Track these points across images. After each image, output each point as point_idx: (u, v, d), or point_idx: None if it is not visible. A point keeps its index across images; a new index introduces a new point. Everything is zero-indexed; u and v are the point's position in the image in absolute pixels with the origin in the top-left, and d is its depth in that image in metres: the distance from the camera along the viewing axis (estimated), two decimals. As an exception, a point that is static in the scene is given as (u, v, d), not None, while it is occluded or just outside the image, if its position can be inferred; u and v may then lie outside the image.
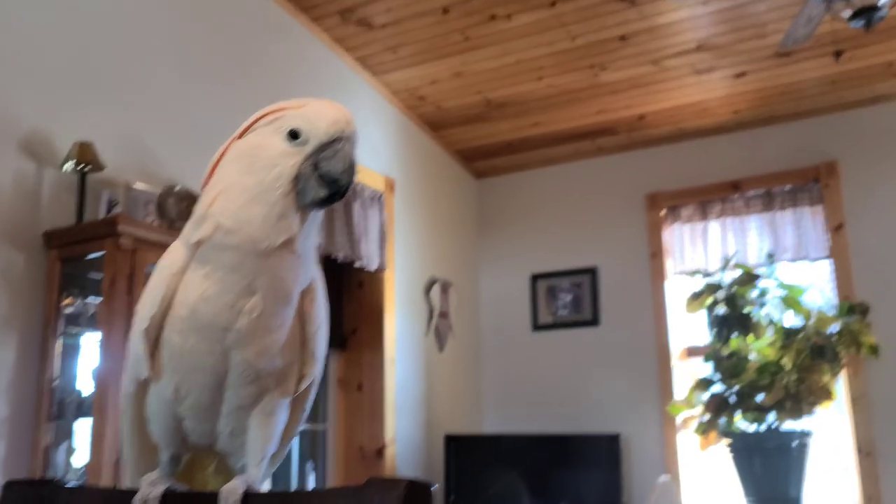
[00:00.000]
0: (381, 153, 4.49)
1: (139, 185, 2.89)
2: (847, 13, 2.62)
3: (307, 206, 0.95)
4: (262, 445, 0.95)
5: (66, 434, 2.73)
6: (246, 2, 3.70)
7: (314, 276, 1.01)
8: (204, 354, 0.94)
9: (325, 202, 0.96)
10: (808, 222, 4.38)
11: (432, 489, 0.64)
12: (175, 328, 0.97)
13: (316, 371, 1.02)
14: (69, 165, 2.71)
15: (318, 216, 0.98)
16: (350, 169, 0.97)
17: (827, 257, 4.31)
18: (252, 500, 0.82)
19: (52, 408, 2.67)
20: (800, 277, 4.26)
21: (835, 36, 3.63)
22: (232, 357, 0.94)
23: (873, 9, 2.54)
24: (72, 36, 2.92)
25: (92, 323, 2.71)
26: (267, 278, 0.92)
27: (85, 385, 2.74)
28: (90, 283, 2.76)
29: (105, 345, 2.56)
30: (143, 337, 0.99)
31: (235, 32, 3.63)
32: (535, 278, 5.12)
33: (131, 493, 0.90)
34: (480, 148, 5.15)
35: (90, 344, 2.78)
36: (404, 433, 4.30)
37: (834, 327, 3.87)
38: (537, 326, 5.06)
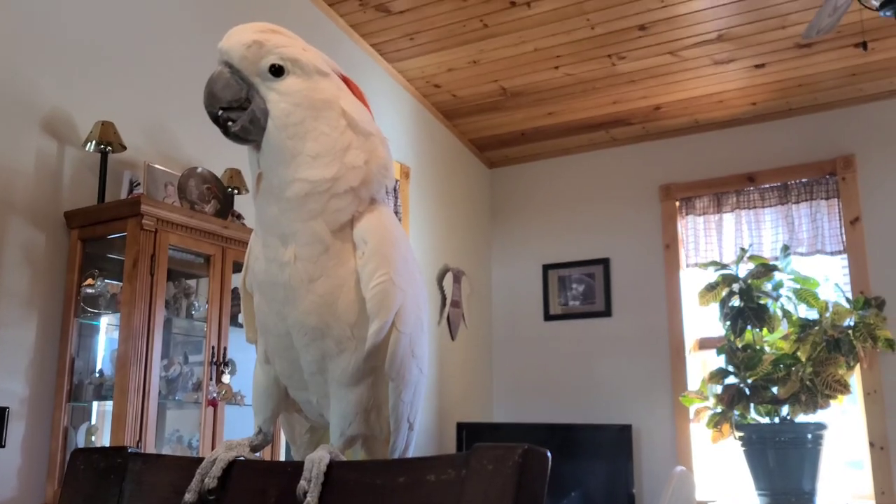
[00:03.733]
0: (397, 140, 4.47)
1: (159, 166, 2.87)
2: (876, 2, 2.60)
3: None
4: (341, 417, 0.94)
5: (86, 415, 2.72)
6: (265, -15, 3.69)
7: (366, 228, 0.92)
8: (268, 315, 0.96)
9: (230, 137, 0.93)
10: (823, 216, 4.36)
11: (549, 456, 0.60)
12: (254, 290, 1.00)
13: (376, 336, 0.92)
14: (91, 145, 2.69)
15: (284, 146, 0.90)
16: (206, 94, 0.91)
17: (842, 251, 4.29)
18: (339, 469, 0.78)
19: (72, 389, 2.66)
20: (815, 271, 4.24)
21: (855, 28, 3.61)
22: (288, 316, 0.94)
23: (904, -2, 2.52)
24: (94, 17, 2.90)
25: (112, 304, 2.70)
26: (294, 226, 0.90)
27: (105, 366, 2.74)
28: (111, 263, 2.75)
29: (126, 326, 2.55)
30: (242, 300, 1.04)
31: (255, 15, 3.60)
32: (547, 268, 5.11)
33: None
34: (494, 137, 5.13)
35: (111, 325, 2.77)
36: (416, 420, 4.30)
37: (849, 321, 3.86)
38: (549, 316, 5.05)
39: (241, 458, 0.88)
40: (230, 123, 0.91)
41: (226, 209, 2.94)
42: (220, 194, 2.94)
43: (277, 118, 0.90)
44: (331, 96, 0.92)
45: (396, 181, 4.30)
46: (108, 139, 2.68)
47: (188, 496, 0.84)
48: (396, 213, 4.24)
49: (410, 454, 1.01)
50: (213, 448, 2.73)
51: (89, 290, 2.68)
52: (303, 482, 0.79)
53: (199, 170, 2.87)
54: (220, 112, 0.91)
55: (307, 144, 0.89)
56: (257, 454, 0.97)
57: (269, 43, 0.91)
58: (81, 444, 2.66)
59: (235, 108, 0.91)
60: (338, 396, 0.94)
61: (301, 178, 0.89)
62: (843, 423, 4.13)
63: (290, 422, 1.10)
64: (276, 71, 0.90)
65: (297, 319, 0.93)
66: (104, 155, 2.73)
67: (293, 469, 0.79)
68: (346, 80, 0.98)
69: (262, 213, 0.94)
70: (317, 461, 0.80)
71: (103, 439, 2.68)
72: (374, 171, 0.93)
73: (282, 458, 3.37)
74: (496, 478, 0.59)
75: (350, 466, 0.79)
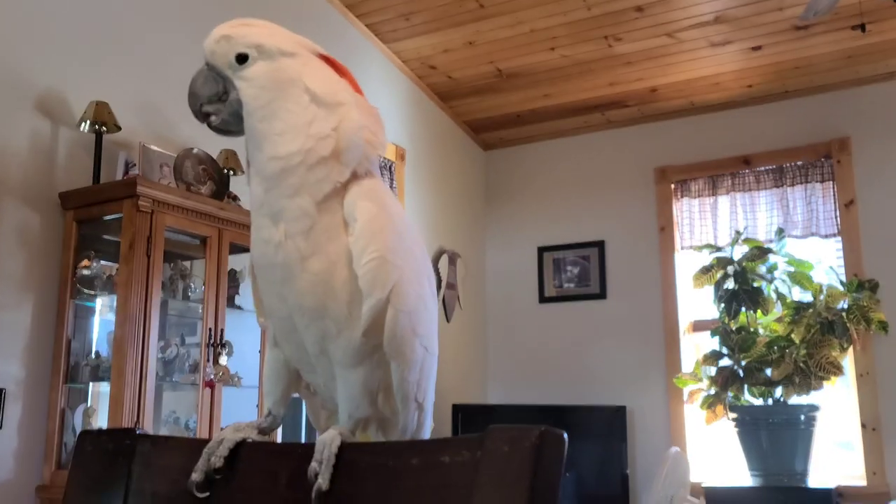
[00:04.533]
0: (392, 122, 4.45)
1: (154, 147, 2.85)
2: (875, -16, 2.59)
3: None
4: (348, 399, 0.93)
5: (83, 397, 2.72)
6: (259, -36, 3.64)
7: (354, 202, 0.92)
8: (270, 297, 0.97)
9: (215, 130, 0.98)
10: (818, 198, 4.37)
11: (565, 437, 0.60)
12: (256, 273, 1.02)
13: (370, 314, 0.91)
14: (85, 125, 2.67)
15: (255, 130, 0.94)
16: (189, 94, 0.96)
17: (837, 234, 4.31)
18: (351, 450, 0.78)
19: (68, 370, 2.66)
20: (809, 253, 4.26)
21: (852, 10, 3.60)
22: (287, 298, 0.94)
23: (903, -20, 2.51)
24: (87, -6, 2.86)
25: (109, 286, 2.69)
26: (280, 203, 0.91)
27: (101, 348, 2.73)
28: (107, 244, 2.73)
29: (122, 308, 2.54)
30: (251, 283, 1.05)
31: (249, -5, 3.57)
32: (542, 251, 5.11)
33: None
34: (489, 119, 5.11)
35: (106, 307, 2.76)
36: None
37: (843, 303, 3.88)
38: (544, 299, 5.06)
39: (250, 440, 0.88)
40: (212, 118, 0.95)
41: (222, 190, 2.93)
42: (216, 175, 2.93)
43: (247, 104, 0.93)
44: (294, 74, 0.93)
45: (392, 162, 4.28)
46: (102, 119, 2.66)
47: (195, 475, 0.84)
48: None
49: (425, 436, 1.01)
50: (210, 429, 2.74)
51: (85, 272, 2.67)
52: (314, 464, 0.79)
53: (195, 151, 2.85)
54: (202, 108, 0.95)
55: (274, 124, 0.91)
56: (267, 437, 0.97)
57: (237, 35, 0.94)
58: (79, 426, 2.65)
59: (216, 103, 0.95)
60: (342, 378, 0.94)
61: (273, 157, 0.91)
62: (835, 405, 4.16)
63: (313, 408, 1.09)
64: (242, 59, 0.93)
65: (294, 300, 0.93)
66: (99, 135, 2.71)
67: (304, 451, 0.79)
68: (325, 58, 0.98)
69: (252, 195, 0.96)
70: (328, 443, 0.80)
71: (100, 421, 2.67)
72: (346, 138, 0.93)
73: (279, 439, 3.37)
74: (512, 460, 0.59)
75: (362, 448, 0.79)
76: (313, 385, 1.04)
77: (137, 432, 0.88)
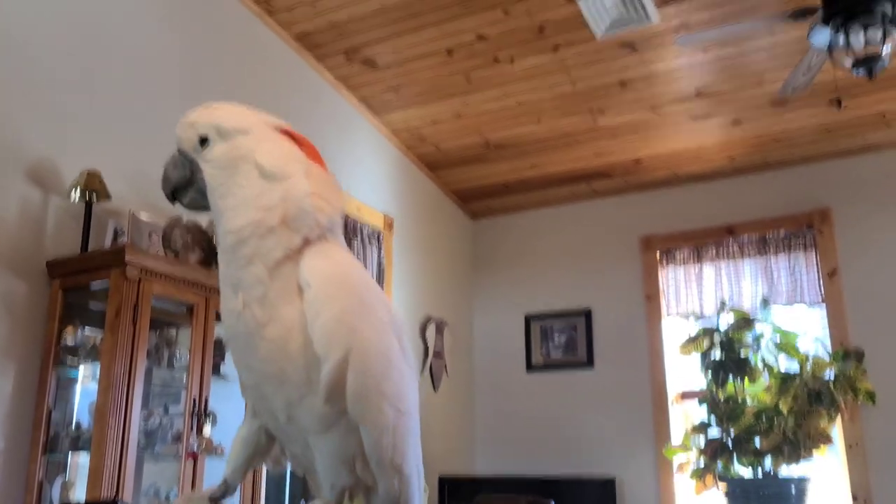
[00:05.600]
0: (380, 191, 4.50)
1: (143, 216, 2.86)
2: (849, 62, 2.68)
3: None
4: (323, 468, 0.92)
5: (62, 467, 2.66)
6: (254, 38, 3.73)
7: (308, 268, 0.93)
8: (240, 365, 0.97)
9: (187, 208, 1.05)
10: (802, 267, 4.42)
11: None
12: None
13: (328, 378, 0.90)
14: (76, 194, 2.68)
15: (216, 207, 0.99)
16: (161, 178, 1.04)
17: (821, 303, 4.34)
18: None
19: (48, 440, 2.60)
20: (794, 322, 4.28)
21: (830, 86, 3.72)
22: (252, 366, 0.95)
23: (875, 58, 2.60)
24: (79, 65, 2.92)
25: (92, 354, 2.66)
26: (238, 274, 0.94)
27: (82, 418, 2.68)
28: (92, 313, 2.72)
29: (105, 376, 2.51)
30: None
31: (242, 67, 3.65)
32: (529, 319, 5.11)
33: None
34: (477, 188, 5.17)
35: (89, 376, 2.72)
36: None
37: (830, 372, 3.88)
38: (531, 367, 5.04)
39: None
40: (183, 199, 1.03)
41: (209, 258, 2.93)
42: (205, 243, 2.93)
43: (209, 184, 0.99)
44: (246, 151, 0.97)
45: (380, 231, 4.31)
46: (93, 188, 2.67)
47: None
48: (379, 264, 4.25)
49: (416, 502, 0.99)
50: (191, 502, 2.68)
51: (69, 341, 2.64)
52: None
53: (185, 220, 2.87)
54: (173, 192, 1.03)
55: (228, 200, 0.96)
56: None
57: (199, 119, 1.00)
58: (56, 499, 2.59)
59: (185, 185, 1.02)
60: (315, 446, 0.93)
61: (228, 230, 0.95)
62: (825, 477, 4.12)
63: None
64: (204, 141, 1.00)
65: (258, 368, 0.94)
66: (89, 204, 2.72)
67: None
68: (285, 131, 1.02)
69: (219, 268, 1.00)
70: None
71: (78, 493, 2.61)
72: (293, 207, 0.95)
73: (261, 512, 3.29)
74: (499, 535, 0.58)
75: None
76: (291, 453, 1.03)
77: (119, 503, 0.87)
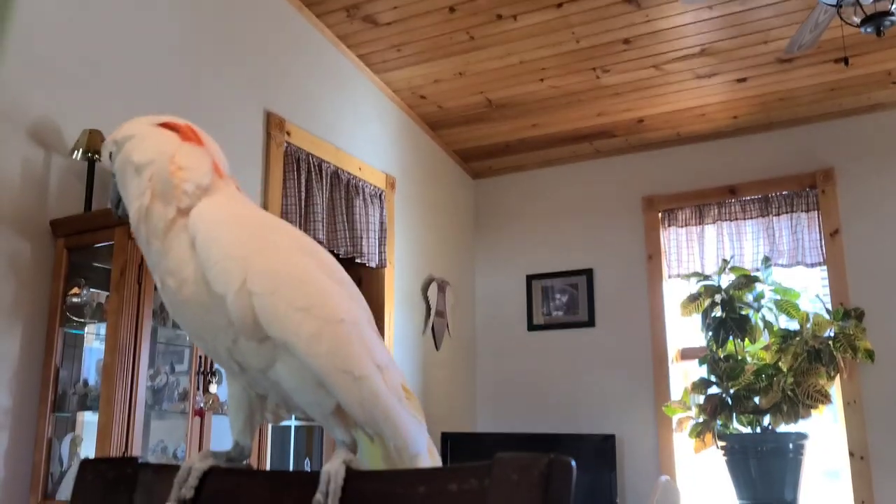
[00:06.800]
0: (382, 151, 4.48)
1: (147, 176, 2.85)
2: (857, 18, 2.65)
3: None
4: (305, 404, 0.93)
5: (70, 426, 2.69)
6: (252, -5, 3.69)
7: (192, 226, 0.97)
8: (191, 338, 0.99)
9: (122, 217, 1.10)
10: (804, 228, 4.42)
11: (573, 465, 0.60)
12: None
13: (233, 308, 0.91)
14: (78, 153, 2.67)
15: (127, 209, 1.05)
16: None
17: (822, 263, 4.36)
18: (356, 479, 0.76)
19: (56, 399, 2.63)
20: (795, 282, 4.30)
21: (835, 44, 3.68)
22: (192, 331, 1.00)
23: (884, 14, 2.57)
24: (81, 25, 2.89)
25: (98, 313, 2.67)
26: (150, 257, 1.02)
27: (90, 376, 2.71)
28: (98, 272, 2.72)
29: (112, 336, 2.52)
30: None
31: (242, 26, 3.61)
32: (531, 279, 5.13)
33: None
34: (479, 148, 5.15)
35: (94, 335, 2.74)
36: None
37: (830, 331, 3.92)
38: (532, 327, 5.07)
39: (243, 467, 0.88)
40: (119, 211, 1.09)
41: (213, 218, 2.92)
42: (208, 203, 2.92)
43: (119, 192, 1.07)
44: (127, 154, 1.04)
45: (382, 190, 4.30)
46: (95, 147, 2.66)
47: None
48: (381, 223, 4.25)
49: (407, 420, 0.94)
50: (199, 459, 2.72)
51: (75, 300, 2.65)
52: (318, 496, 0.79)
53: (187, 179, 2.86)
54: (115, 207, 1.09)
55: (127, 201, 1.03)
56: (244, 464, 0.97)
57: (109, 139, 1.07)
58: (66, 456, 2.62)
59: (119, 200, 1.08)
60: (282, 385, 0.94)
61: (131, 220, 1.01)
62: (823, 434, 4.18)
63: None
64: (110, 157, 1.07)
65: (195, 331, 0.98)
66: (91, 163, 2.71)
67: (308, 479, 0.79)
68: (165, 123, 1.07)
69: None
70: (333, 474, 0.80)
71: (86, 450, 2.64)
72: (157, 184, 1.00)
73: (267, 467, 3.34)
74: (521, 488, 0.59)
75: (369, 476, 0.79)
76: (275, 402, 1.03)
77: (139, 461, 0.88)
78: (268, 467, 3.20)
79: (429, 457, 0.98)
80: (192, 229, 0.96)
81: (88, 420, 2.68)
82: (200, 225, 0.96)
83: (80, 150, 2.67)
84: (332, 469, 0.80)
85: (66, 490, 2.59)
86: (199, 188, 1.01)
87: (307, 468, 3.97)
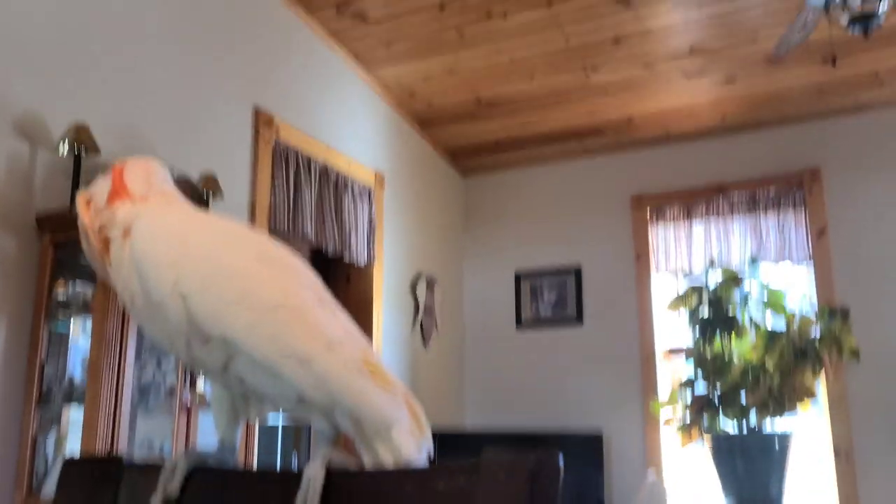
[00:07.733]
0: (371, 148, 4.47)
1: (134, 171, 2.83)
2: (844, 19, 2.67)
3: None
4: (273, 398, 0.93)
5: (55, 420, 2.67)
6: (241, -10, 3.66)
7: (129, 244, 0.98)
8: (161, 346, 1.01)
9: None
10: (791, 226, 4.45)
11: (560, 461, 0.60)
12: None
13: (173, 317, 0.92)
14: (64, 148, 2.65)
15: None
16: None
17: (809, 260, 4.38)
18: (341, 477, 0.75)
19: (41, 394, 2.61)
20: (782, 280, 4.33)
21: (823, 44, 3.70)
22: (156, 341, 1.01)
23: (871, 15, 2.59)
24: (67, 18, 2.86)
25: (84, 309, 2.66)
26: (106, 280, 1.04)
27: (75, 372, 2.69)
28: (83, 268, 2.70)
29: (98, 332, 2.51)
30: None
31: (231, 21, 3.59)
32: (520, 276, 5.13)
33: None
34: (468, 146, 5.15)
35: (80, 330, 2.72)
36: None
37: (815, 330, 3.94)
38: (521, 324, 5.08)
39: (229, 465, 0.88)
40: None
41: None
42: (194, 197, 2.91)
43: None
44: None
45: (370, 187, 4.29)
46: (82, 141, 2.64)
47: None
48: (370, 220, 4.24)
49: (375, 394, 0.92)
50: (186, 456, 2.70)
51: (60, 296, 2.63)
52: (300, 496, 0.78)
53: (175, 173, 2.84)
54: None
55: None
56: (231, 462, 0.97)
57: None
58: (51, 452, 2.61)
59: None
60: (247, 381, 0.94)
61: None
62: (808, 431, 4.21)
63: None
64: None
65: (157, 340, 0.98)
66: (77, 158, 2.69)
67: (292, 478, 0.78)
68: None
69: None
70: (312, 479, 0.78)
71: (71, 446, 2.63)
72: (95, 213, 1.03)
73: (254, 465, 3.33)
74: (509, 485, 0.59)
75: (354, 475, 0.78)
76: (253, 401, 1.03)
77: (124, 459, 0.87)
78: (255, 465, 3.19)
79: (410, 430, 0.96)
80: (130, 246, 0.97)
81: (74, 416, 2.66)
82: (135, 243, 0.97)
83: (67, 144, 2.64)
84: (311, 473, 0.79)
85: (51, 486, 2.57)
86: (126, 215, 1.03)
87: (294, 464, 3.97)
